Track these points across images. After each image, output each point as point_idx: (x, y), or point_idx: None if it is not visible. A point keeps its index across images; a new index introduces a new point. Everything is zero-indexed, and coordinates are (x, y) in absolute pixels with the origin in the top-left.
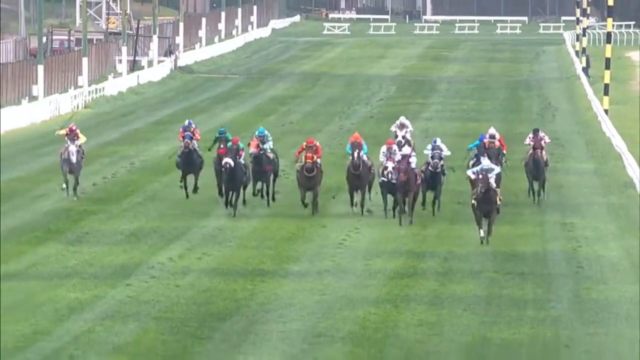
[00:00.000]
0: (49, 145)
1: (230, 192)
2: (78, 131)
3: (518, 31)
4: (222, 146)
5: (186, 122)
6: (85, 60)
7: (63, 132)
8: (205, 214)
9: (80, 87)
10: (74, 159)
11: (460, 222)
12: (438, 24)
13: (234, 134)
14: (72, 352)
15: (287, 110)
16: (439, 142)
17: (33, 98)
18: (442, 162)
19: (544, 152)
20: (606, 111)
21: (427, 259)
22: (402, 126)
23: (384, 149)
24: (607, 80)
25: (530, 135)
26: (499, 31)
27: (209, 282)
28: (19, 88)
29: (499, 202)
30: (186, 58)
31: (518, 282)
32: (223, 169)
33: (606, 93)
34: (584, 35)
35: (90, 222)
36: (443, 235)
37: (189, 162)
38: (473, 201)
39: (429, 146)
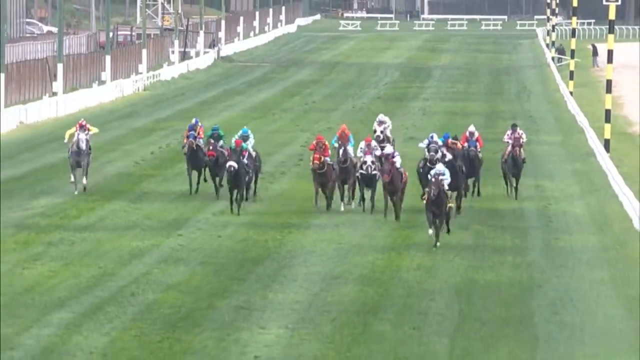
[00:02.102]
0: (115, 121)
1: (235, 192)
2: (88, 126)
3: (499, 27)
4: (210, 148)
5: (193, 121)
6: (144, 51)
7: (72, 130)
8: None
9: (140, 73)
10: (83, 145)
11: None
12: (433, 22)
13: (267, 110)
14: (133, 290)
15: (309, 92)
16: (435, 137)
17: (102, 82)
18: (438, 155)
19: (522, 150)
20: (571, 93)
21: (424, 214)
22: (380, 123)
23: (362, 144)
24: (572, 67)
25: (509, 131)
26: (483, 27)
27: (245, 233)
28: (90, 74)
29: (449, 205)
30: (227, 49)
31: (499, 233)
32: (227, 172)
33: (571, 78)
34: (553, 30)
35: (148, 184)
36: None
37: (194, 160)
38: (424, 201)
39: (425, 141)
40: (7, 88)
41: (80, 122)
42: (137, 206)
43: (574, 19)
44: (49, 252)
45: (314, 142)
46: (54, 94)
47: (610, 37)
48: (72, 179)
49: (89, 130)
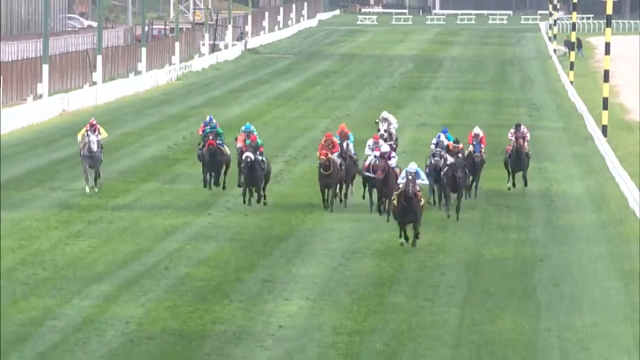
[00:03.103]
0: (150, 109)
1: (250, 188)
2: (99, 126)
3: (505, 22)
4: (211, 137)
5: (207, 118)
6: (177, 44)
7: (83, 131)
8: None
9: (173, 64)
10: (94, 147)
11: None
12: (444, 16)
13: (290, 98)
14: (167, 264)
15: (329, 81)
16: (442, 137)
17: (138, 72)
18: (442, 161)
19: (526, 144)
20: (572, 82)
21: (433, 194)
22: (384, 120)
23: (370, 142)
24: (572, 58)
25: (512, 130)
26: (490, 22)
27: (270, 212)
28: (127, 65)
29: (421, 203)
30: (253, 42)
31: (504, 212)
32: (243, 163)
33: (571, 69)
34: (554, 24)
35: (180, 166)
36: None
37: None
38: (394, 202)
39: (434, 140)
40: (50, 78)
41: (91, 121)
42: (170, 187)
43: (574, 14)
44: (89, 230)
45: (323, 140)
46: (94, 83)
47: (608, 30)
48: (86, 181)
49: (99, 132)
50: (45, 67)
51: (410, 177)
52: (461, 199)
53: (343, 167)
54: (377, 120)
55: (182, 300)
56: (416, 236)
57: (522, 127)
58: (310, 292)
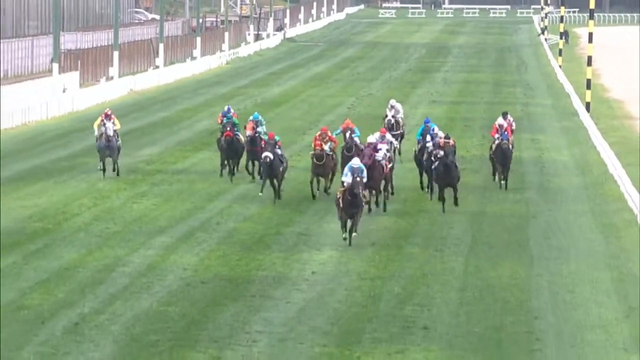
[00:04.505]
0: (204, 88)
1: (269, 180)
2: (114, 116)
3: (503, 15)
4: (228, 128)
5: (225, 108)
6: (226, 34)
7: (98, 121)
8: (302, 132)
9: (223, 51)
10: (110, 132)
11: (465, 137)
12: (452, 10)
13: (322, 80)
14: (218, 220)
15: (355, 65)
16: (436, 129)
17: (193, 58)
18: (436, 151)
19: (511, 137)
20: (560, 66)
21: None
22: (392, 108)
23: (376, 135)
24: (560, 46)
25: (500, 118)
26: (491, 15)
27: (305, 176)
28: (184, 51)
29: (364, 201)
30: (291, 32)
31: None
32: (263, 162)
33: (560, 54)
34: (545, 17)
35: None
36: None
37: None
38: (338, 195)
39: (428, 137)
40: (120, 62)
41: (106, 111)
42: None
43: (562, 8)
44: (152, 191)
45: (318, 133)
46: (157, 67)
47: (591, 22)
48: (101, 167)
49: (114, 121)
50: (116, 54)
51: (359, 178)
52: (456, 192)
53: (335, 158)
54: (387, 112)
55: (230, 250)
56: (354, 230)
57: (509, 116)
58: (339, 244)
